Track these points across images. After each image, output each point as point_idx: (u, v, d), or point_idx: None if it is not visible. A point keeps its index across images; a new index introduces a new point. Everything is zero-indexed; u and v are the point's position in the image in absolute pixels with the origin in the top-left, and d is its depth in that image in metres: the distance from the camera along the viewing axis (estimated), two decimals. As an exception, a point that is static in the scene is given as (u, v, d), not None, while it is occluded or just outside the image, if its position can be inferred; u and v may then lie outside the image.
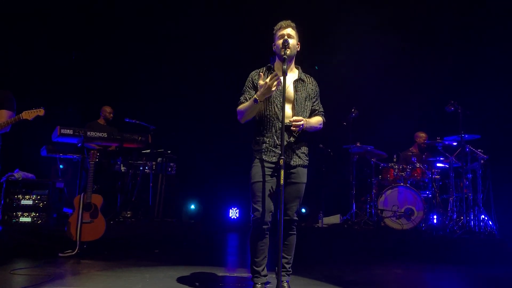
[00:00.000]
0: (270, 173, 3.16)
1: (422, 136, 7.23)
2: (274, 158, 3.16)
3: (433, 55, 7.85)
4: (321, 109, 3.40)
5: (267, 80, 3.04)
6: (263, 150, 3.19)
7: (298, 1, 7.71)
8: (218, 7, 7.98)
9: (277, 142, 3.16)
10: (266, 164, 3.17)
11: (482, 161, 6.28)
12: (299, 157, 3.23)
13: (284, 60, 3.05)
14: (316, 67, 6.67)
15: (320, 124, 3.33)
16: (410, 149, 7.26)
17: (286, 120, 3.07)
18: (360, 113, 7.03)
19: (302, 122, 3.10)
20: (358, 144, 6.90)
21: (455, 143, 6.47)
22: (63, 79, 7.63)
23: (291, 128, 3.05)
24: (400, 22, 7.69)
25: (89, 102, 7.63)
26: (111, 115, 6.94)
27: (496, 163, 6.47)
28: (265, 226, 3.14)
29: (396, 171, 6.66)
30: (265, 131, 3.22)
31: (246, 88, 3.32)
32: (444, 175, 6.75)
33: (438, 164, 6.71)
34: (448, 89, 7.47)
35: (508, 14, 7.20)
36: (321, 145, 7.40)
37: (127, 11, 7.86)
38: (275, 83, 3.03)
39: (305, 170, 3.29)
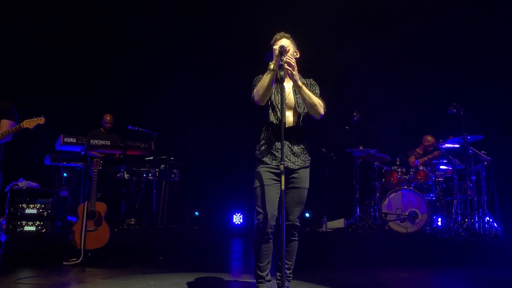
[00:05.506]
0: (272, 176, 3.18)
1: (430, 140, 7.27)
2: (275, 162, 3.18)
3: (434, 57, 7.85)
4: (322, 101, 3.31)
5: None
6: (265, 154, 3.22)
7: (298, 10, 7.74)
8: (222, 15, 8.02)
9: (278, 147, 3.18)
10: (268, 169, 3.19)
11: (485, 163, 6.26)
12: (300, 158, 3.25)
13: (281, 66, 3.07)
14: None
15: (320, 105, 3.22)
16: (416, 150, 7.28)
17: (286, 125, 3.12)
18: (362, 117, 7.03)
19: (294, 65, 3.12)
20: (361, 148, 6.89)
21: (457, 145, 6.46)
22: (65, 87, 7.66)
23: (284, 66, 3.07)
24: (402, 24, 7.70)
25: (91, 109, 7.65)
26: (109, 124, 6.95)
27: (500, 165, 6.45)
28: (268, 230, 3.14)
29: (400, 174, 6.65)
30: (266, 136, 3.26)
31: (255, 84, 3.28)
32: (448, 177, 6.73)
33: (442, 167, 6.70)
34: (450, 90, 7.46)
35: (509, 13, 7.20)
36: (324, 149, 7.40)
37: (128, 18, 7.91)
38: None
39: (307, 171, 3.28)
